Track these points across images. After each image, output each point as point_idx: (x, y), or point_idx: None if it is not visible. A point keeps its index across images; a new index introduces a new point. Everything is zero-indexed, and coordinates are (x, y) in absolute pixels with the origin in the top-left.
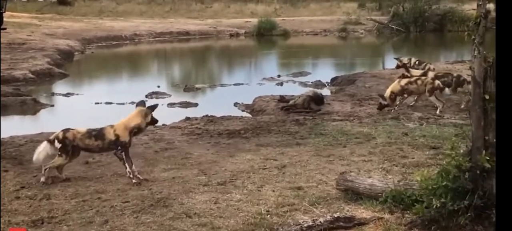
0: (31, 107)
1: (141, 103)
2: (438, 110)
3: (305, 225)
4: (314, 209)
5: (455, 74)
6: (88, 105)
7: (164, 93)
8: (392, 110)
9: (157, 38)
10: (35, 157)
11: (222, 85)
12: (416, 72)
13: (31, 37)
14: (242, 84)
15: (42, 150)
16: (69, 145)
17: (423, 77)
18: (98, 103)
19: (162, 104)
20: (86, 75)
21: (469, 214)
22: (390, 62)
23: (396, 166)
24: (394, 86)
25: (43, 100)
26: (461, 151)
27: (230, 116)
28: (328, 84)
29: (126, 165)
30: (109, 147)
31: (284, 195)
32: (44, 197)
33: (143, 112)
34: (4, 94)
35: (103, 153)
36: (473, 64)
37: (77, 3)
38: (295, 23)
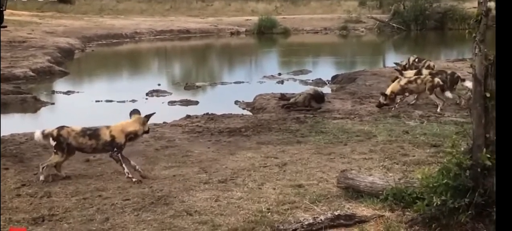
0: (32, 105)
1: (136, 111)
2: (438, 108)
3: (306, 222)
4: (315, 207)
5: (449, 72)
6: (88, 103)
7: (164, 92)
8: (393, 108)
9: (157, 36)
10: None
11: (222, 83)
12: (410, 73)
13: (31, 35)
14: (243, 82)
15: (39, 135)
16: (63, 143)
17: (422, 76)
18: (98, 101)
19: (162, 103)
20: (86, 73)
21: (469, 212)
22: (391, 61)
23: (397, 163)
24: (394, 86)
25: (43, 98)
26: (462, 148)
27: (231, 113)
28: (328, 82)
29: (124, 166)
30: (103, 148)
31: (284, 193)
32: (45, 195)
33: (142, 120)
34: (4, 92)
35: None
36: (474, 62)
37: (78, 1)
38: (296, 21)
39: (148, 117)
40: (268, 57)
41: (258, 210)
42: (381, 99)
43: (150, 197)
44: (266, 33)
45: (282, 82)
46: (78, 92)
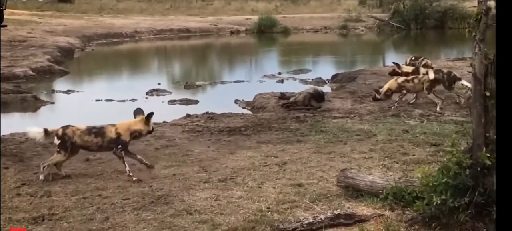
0: (32, 105)
1: (140, 111)
2: (437, 107)
3: (306, 222)
4: (315, 206)
5: (445, 71)
6: (88, 103)
7: (164, 91)
8: (393, 108)
9: (157, 36)
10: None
11: (222, 82)
12: (408, 67)
13: (31, 35)
14: (243, 81)
15: (36, 132)
16: (68, 142)
17: (419, 76)
18: (98, 100)
19: (162, 102)
20: (86, 73)
21: (469, 211)
22: (391, 60)
23: (397, 163)
24: (391, 83)
25: (43, 97)
26: (462, 148)
27: (231, 113)
28: (328, 82)
29: (125, 164)
30: (109, 145)
31: (284, 192)
32: (45, 194)
33: (146, 119)
34: (4, 92)
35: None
36: (474, 61)
37: (78, 1)
38: (296, 20)
39: (148, 116)
40: (268, 56)
41: (258, 209)
42: (376, 95)
43: (150, 196)
44: (266, 32)
45: (282, 81)
46: (78, 91)
